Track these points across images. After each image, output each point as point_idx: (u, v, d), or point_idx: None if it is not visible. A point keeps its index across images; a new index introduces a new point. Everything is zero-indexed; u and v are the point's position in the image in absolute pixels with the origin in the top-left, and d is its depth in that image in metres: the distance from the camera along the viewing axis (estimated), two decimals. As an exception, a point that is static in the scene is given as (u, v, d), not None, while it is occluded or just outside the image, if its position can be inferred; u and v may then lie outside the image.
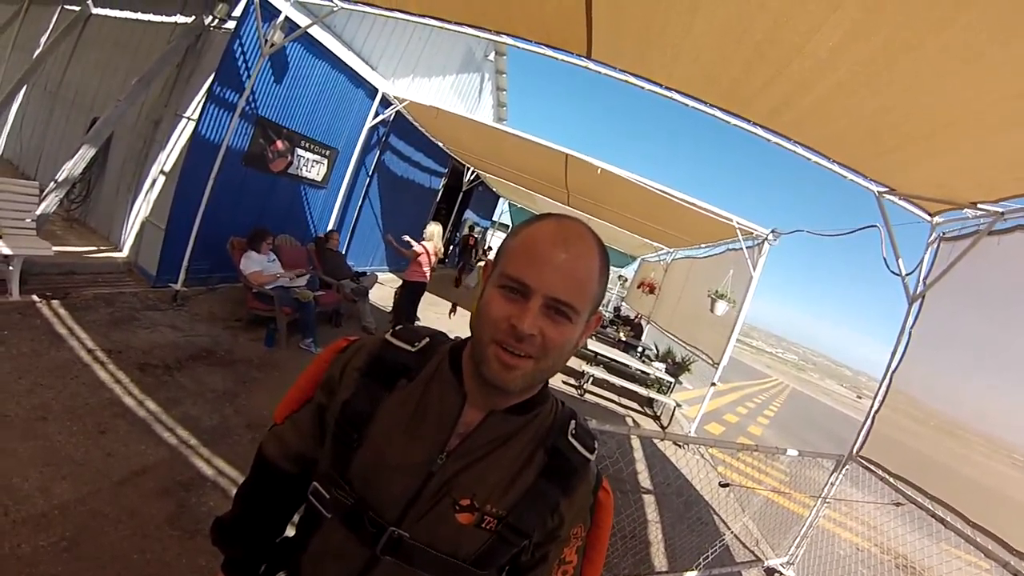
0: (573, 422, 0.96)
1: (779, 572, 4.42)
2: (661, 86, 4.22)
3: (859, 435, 4.28)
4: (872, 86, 2.90)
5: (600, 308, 0.90)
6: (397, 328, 0.99)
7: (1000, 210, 3.45)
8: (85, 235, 6.20)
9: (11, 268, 4.29)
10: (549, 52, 4.49)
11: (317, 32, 6.54)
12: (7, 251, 4.19)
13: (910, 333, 4.11)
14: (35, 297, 4.47)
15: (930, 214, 4.14)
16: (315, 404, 1.00)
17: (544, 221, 0.83)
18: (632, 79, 4.29)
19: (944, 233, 4.05)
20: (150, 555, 2.43)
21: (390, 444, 0.86)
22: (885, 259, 4.22)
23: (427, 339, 0.96)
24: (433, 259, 7.25)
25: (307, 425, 1.01)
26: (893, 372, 4.16)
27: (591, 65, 4.34)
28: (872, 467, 4.09)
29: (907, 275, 4.18)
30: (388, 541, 0.84)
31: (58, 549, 2.27)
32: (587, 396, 8.59)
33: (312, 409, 1.00)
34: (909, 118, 3.04)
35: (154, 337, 4.63)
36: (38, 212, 4.74)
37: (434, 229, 7.37)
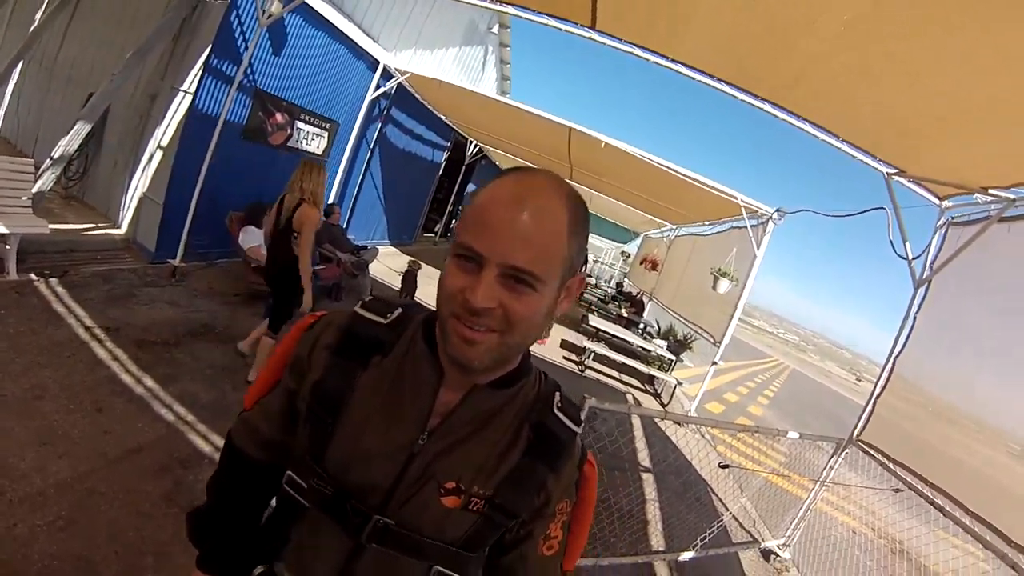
0: (558, 394, 0.92)
1: (775, 553, 4.45)
2: (667, 58, 4.12)
3: (860, 419, 4.26)
4: (887, 65, 2.81)
5: (582, 270, 0.82)
6: (367, 300, 0.93)
7: (1012, 196, 3.35)
8: (83, 212, 6.14)
9: (7, 247, 4.25)
10: (553, 22, 4.40)
11: (316, 3, 6.38)
12: (3, 229, 4.14)
13: (915, 318, 4.06)
14: (32, 275, 4.44)
15: (939, 198, 4.06)
16: (284, 387, 0.95)
17: (502, 178, 0.76)
18: (637, 51, 4.19)
19: (953, 218, 3.96)
20: (147, 533, 2.43)
21: (367, 427, 0.82)
22: (892, 242, 4.15)
23: (399, 310, 0.91)
24: None
25: (277, 410, 0.96)
26: (896, 357, 4.12)
27: (595, 36, 4.24)
28: (872, 452, 4.08)
29: (914, 259, 4.11)
30: (373, 529, 0.80)
31: (54, 528, 2.27)
32: (588, 372, 8.62)
33: (281, 393, 0.95)
34: (924, 99, 2.95)
35: (152, 313, 4.61)
36: (34, 190, 4.68)
37: None
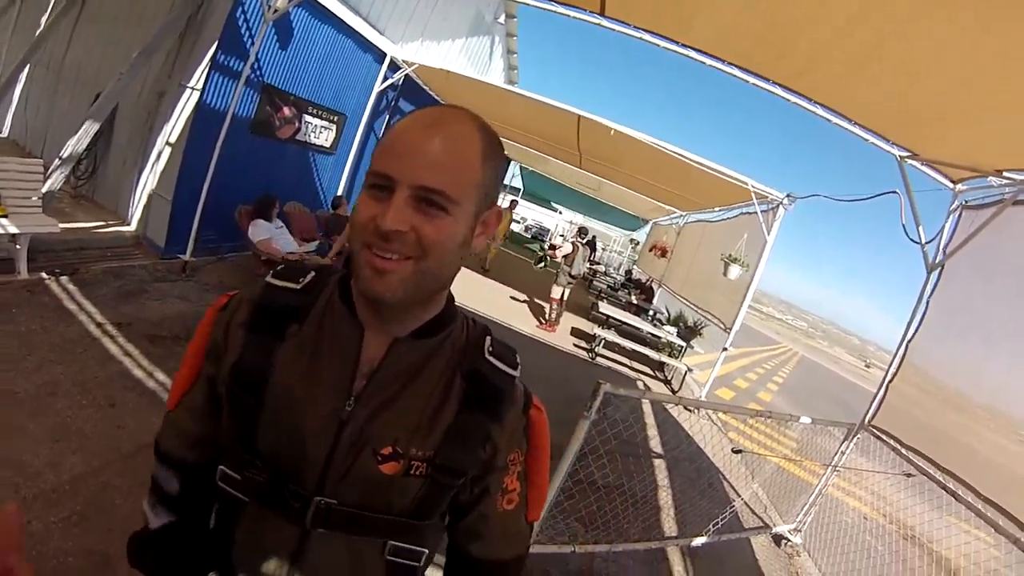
0: (488, 338, 0.88)
1: (786, 539, 4.44)
2: (677, 44, 4.07)
3: (871, 404, 4.22)
4: (900, 45, 2.76)
5: (498, 204, 0.80)
6: (279, 267, 0.87)
7: (1026, 179, 3.29)
8: (93, 210, 6.20)
9: (18, 247, 4.27)
10: (560, 9, 4.35)
11: (320, -4, 6.36)
12: (13, 230, 4.16)
13: (927, 303, 4.01)
14: (44, 274, 4.47)
15: (953, 181, 3.98)
16: (205, 376, 0.86)
17: (415, 111, 0.74)
18: (647, 36, 4.14)
19: (967, 201, 3.88)
20: (161, 527, 2.45)
21: (291, 400, 0.76)
22: (904, 226, 4.08)
23: (312, 273, 0.85)
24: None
25: (201, 403, 0.87)
26: (908, 342, 4.07)
27: (604, 22, 4.18)
28: (884, 437, 4.04)
29: (927, 243, 4.04)
30: (316, 512, 0.75)
31: (69, 524, 2.29)
32: (598, 359, 8.59)
33: (203, 383, 0.87)
34: (938, 80, 2.89)
35: (163, 308, 4.65)
36: (44, 190, 4.71)
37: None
